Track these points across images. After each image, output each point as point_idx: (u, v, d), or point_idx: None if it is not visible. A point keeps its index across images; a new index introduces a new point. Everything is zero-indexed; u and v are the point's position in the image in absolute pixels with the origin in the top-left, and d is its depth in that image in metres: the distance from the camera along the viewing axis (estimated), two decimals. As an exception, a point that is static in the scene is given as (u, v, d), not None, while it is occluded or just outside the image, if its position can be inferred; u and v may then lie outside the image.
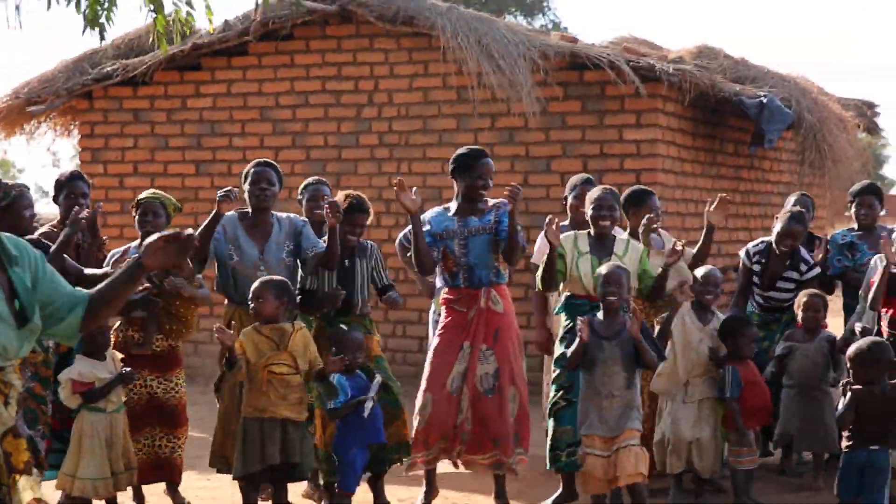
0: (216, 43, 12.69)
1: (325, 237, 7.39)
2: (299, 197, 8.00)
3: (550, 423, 7.72)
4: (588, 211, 7.70)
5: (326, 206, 7.19)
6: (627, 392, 7.03)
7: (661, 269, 7.62)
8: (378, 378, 7.14)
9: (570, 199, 8.55)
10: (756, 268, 8.72)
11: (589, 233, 7.72)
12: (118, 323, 7.23)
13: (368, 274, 7.67)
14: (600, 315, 7.15)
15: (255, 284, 6.85)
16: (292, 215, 7.81)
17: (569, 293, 7.64)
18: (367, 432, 7.08)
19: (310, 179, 8.27)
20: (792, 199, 9.51)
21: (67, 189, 7.93)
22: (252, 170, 7.60)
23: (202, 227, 7.22)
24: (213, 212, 7.20)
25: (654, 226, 7.98)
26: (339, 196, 7.63)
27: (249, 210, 7.62)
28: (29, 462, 3.99)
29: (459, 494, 8.32)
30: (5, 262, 4.02)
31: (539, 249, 8.42)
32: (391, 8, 12.06)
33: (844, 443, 6.99)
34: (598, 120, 11.83)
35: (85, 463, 6.88)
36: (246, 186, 7.56)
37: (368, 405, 6.87)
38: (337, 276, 7.56)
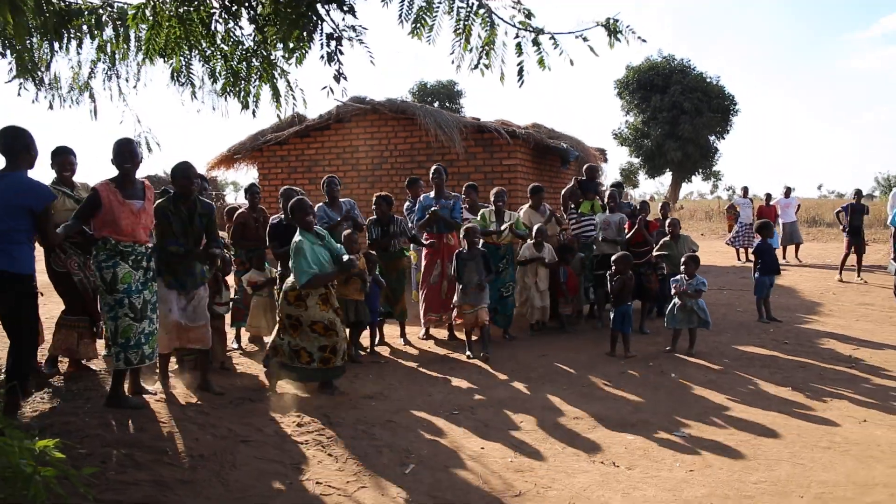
0: (315, 123, 12.80)
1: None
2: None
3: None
4: (494, 200, 7.85)
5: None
6: (479, 286, 7.05)
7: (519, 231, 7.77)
8: (368, 278, 6.83)
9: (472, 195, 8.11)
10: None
11: (492, 210, 7.82)
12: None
13: (398, 232, 7.49)
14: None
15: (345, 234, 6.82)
16: (344, 199, 7.67)
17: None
18: (371, 304, 7.00)
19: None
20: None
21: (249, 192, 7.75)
22: (327, 179, 7.55)
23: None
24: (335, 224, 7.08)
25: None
26: (375, 196, 7.56)
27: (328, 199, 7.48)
28: None
29: (434, 330, 8.15)
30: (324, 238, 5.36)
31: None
32: (396, 106, 12.23)
33: (614, 303, 7.05)
34: (490, 155, 11.92)
35: (254, 319, 7.12)
36: (325, 188, 7.52)
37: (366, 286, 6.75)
38: (381, 233, 7.42)
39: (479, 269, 7.09)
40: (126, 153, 4.89)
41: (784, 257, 16.54)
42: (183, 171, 5.28)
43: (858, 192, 13.72)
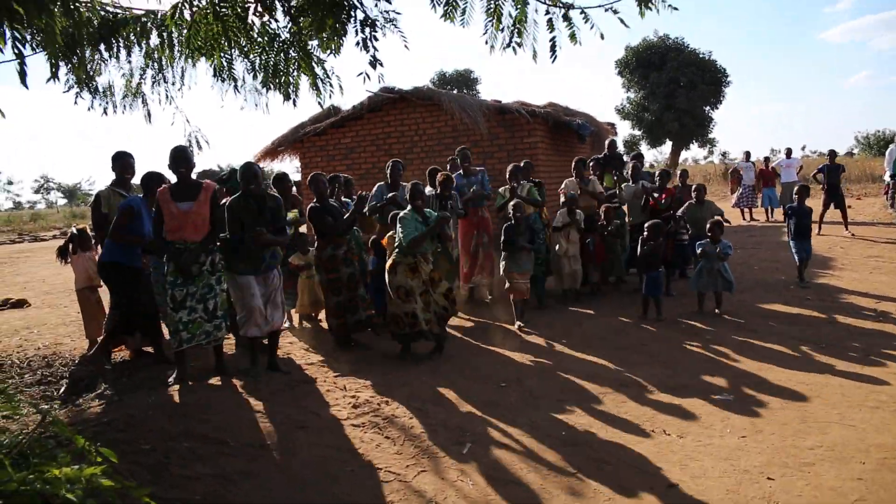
0: (349, 113, 12.26)
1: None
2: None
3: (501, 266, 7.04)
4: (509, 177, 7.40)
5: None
6: (528, 255, 6.66)
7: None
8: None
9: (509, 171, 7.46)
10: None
11: (507, 188, 7.39)
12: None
13: (456, 207, 7.03)
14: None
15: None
16: (403, 182, 7.21)
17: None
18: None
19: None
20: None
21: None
22: (391, 162, 7.19)
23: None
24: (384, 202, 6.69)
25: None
26: (439, 176, 7.07)
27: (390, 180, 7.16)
28: None
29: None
30: None
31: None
32: (423, 93, 11.67)
33: (646, 268, 6.55)
34: (511, 135, 11.32)
35: (302, 299, 6.76)
36: (388, 170, 7.17)
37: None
38: (441, 207, 6.88)
39: (526, 237, 6.71)
40: (180, 158, 4.83)
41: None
42: (242, 173, 5.10)
43: (832, 153, 13.03)
